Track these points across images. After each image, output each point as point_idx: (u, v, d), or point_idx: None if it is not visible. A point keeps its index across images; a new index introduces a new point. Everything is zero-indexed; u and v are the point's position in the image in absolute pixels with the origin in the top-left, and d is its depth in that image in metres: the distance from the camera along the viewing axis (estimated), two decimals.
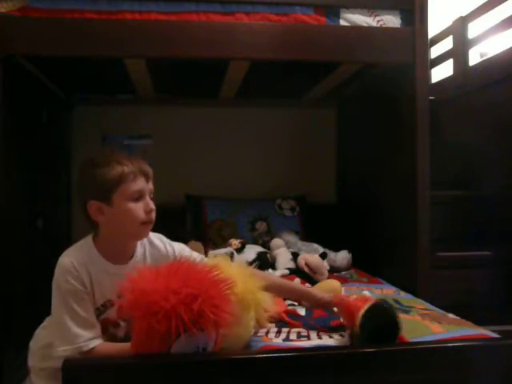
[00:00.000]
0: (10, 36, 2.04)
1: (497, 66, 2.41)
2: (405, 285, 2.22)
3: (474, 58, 2.72)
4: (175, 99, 3.35)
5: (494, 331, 1.47)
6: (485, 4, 2.51)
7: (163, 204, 3.27)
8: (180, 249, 1.50)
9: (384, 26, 2.29)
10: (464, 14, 2.64)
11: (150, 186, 1.36)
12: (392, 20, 2.30)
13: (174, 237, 2.96)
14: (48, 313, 1.48)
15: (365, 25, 2.27)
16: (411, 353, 1.20)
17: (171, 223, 3.21)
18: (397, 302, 1.89)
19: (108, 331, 1.35)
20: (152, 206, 1.34)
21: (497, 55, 2.44)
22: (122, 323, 1.37)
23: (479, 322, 1.49)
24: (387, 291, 2.14)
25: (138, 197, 1.31)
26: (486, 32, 2.52)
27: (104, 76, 2.80)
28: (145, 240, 1.42)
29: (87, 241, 1.34)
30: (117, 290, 1.24)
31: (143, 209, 1.31)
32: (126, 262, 1.35)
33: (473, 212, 2.55)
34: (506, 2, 2.36)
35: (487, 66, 2.50)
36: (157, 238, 1.48)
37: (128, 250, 1.37)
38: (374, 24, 2.28)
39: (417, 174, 2.28)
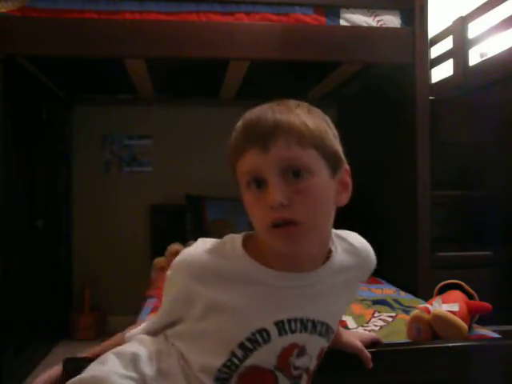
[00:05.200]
0: (10, 36, 2.04)
1: (497, 66, 2.40)
2: (405, 285, 2.22)
3: (474, 57, 2.71)
4: (175, 99, 3.35)
5: (494, 331, 1.47)
6: (485, 4, 2.51)
7: (163, 204, 3.30)
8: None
9: (384, 26, 2.30)
10: (464, 14, 2.64)
11: (281, 154, 0.76)
12: (392, 20, 2.31)
13: (174, 237, 2.97)
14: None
15: (365, 25, 2.27)
16: (411, 353, 1.20)
17: (171, 223, 3.23)
18: (397, 301, 1.89)
19: None
20: (275, 197, 0.74)
21: (497, 55, 2.44)
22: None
23: (479, 322, 1.49)
24: (387, 291, 2.14)
25: (253, 181, 0.78)
26: (485, 32, 2.51)
27: (104, 76, 2.80)
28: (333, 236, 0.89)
29: (233, 239, 0.85)
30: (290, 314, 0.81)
31: (264, 203, 0.76)
32: (310, 269, 0.83)
33: (473, 212, 2.55)
34: (506, 2, 2.36)
35: (487, 66, 2.50)
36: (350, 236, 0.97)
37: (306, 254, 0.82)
38: (374, 24, 2.28)
39: (417, 174, 2.28)
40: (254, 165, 0.77)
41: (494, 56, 2.48)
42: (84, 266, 3.31)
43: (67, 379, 0.89)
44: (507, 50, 2.33)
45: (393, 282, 2.30)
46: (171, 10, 2.14)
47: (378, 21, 2.29)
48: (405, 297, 2.01)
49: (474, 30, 2.63)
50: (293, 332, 0.81)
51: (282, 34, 2.18)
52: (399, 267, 2.40)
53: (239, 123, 0.84)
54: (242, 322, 0.80)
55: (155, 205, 3.31)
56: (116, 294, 3.24)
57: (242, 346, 0.79)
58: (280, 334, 0.80)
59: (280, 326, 0.80)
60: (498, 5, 2.42)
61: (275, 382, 0.82)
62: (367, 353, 1.06)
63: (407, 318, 1.52)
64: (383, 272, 2.47)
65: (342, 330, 1.06)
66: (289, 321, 0.81)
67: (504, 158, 2.40)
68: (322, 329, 0.85)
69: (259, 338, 0.80)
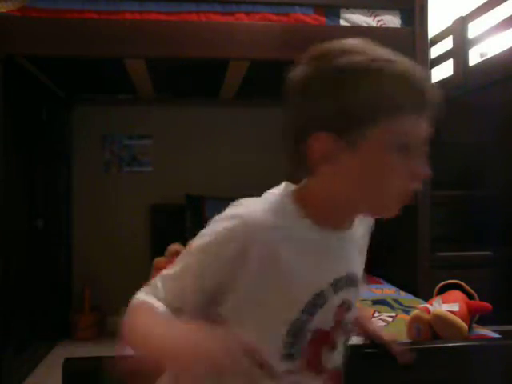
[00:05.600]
0: (10, 36, 2.04)
1: (497, 66, 2.40)
2: (405, 285, 2.21)
3: (474, 57, 2.71)
4: (175, 99, 3.35)
5: (494, 331, 1.47)
6: (485, 4, 2.50)
7: (163, 204, 3.30)
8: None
9: (384, 25, 2.30)
10: (464, 14, 2.64)
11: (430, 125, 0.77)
12: (392, 20, 2.31)
13: (174, 237, 2.96)
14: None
15: (365, 25, 2.27)
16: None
17: (171, 223, 3.23)
18: (397, 301, 1.89)
19: (319, 358, 0.81)
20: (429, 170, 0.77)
21: (497, 55, 2.44)
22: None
23: (479, 322, 1.49)
24: (387, 291, 2.14)
25: (409, 146, 0.74)
26: (485, 32, 2.51)
27: (104, 76, 2.80)
28: None
29: (282, 197, 0.80)
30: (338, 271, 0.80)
31: (411, 171, 0.74)
32: (344, 227, 0.83)
33: (473, 212, 2.55)
34: (506, 2, 2.35)
35: (487, 66, 2.49)
36: None
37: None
38: (374, 24, 2.28)
39: None
40: (419, 131, 0.75)
41: (494, 56, 2.48)
42: (84, 266, 3.31)
43: (66, 377, 0.89)
44: (507, 50, 2.33)
45: (393, 282, 2.30)
46: (171, 10, 2.14)
47: (378, 21, 2.29)
48: (405, 297, 2.01)
49: (474, 29, 2.63)
50: (342, 289, 0.80)
51: (281, 33, 2.18)
52: (399, 267, 2.40)
53: (398, 71, 0.73)
54: (302, 285, 0.76)
55: (155, 205, 3.31)
56: (116, 294, 3.22)
57: (304, 311, 0.76)
58: (335, 291, 0.79)
59: (334, 284, 0.79)
60: (497, 5, 2.42)
61: (335, 340, 0.82)
62: (398, 346, 1.05)
63: (407, 318, 1.52)
64: (383, 272, 2.48)
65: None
66: (340, 278, 0.80)
67: (504, 158, 2.40)
68: (359, 280, 0.85)
69: (318, 300, 0.77)
